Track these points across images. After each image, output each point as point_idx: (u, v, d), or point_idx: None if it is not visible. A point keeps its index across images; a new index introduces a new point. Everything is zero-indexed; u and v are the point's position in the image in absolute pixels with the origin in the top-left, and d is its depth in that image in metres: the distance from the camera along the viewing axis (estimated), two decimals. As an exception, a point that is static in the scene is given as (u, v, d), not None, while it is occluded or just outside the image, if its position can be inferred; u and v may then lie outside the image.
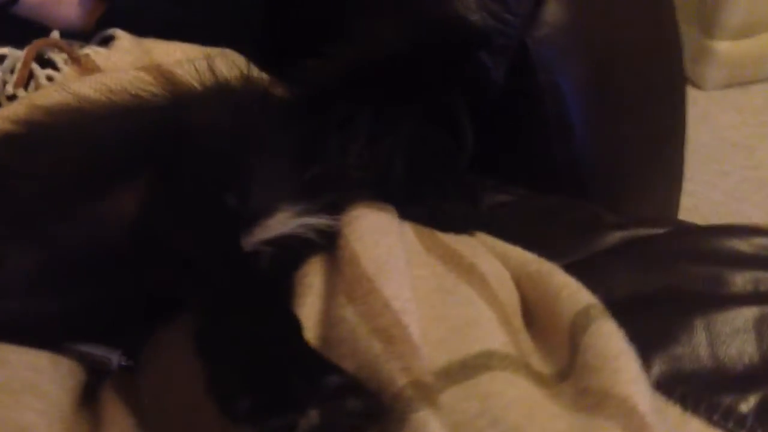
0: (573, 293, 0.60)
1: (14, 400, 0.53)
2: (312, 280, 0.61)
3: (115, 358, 0.62)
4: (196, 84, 0.74)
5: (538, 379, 0.54)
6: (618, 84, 1.05)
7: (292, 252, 0.63)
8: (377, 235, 0.62)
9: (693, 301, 0.70)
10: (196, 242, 0.58)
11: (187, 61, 0.79)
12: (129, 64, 0.81)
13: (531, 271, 0.66)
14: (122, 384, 0.62)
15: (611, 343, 0.54)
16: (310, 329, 0.57)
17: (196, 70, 0.75)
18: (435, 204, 0.72)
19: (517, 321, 0.62)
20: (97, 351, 0.62)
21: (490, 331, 0.55)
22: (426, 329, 0.54)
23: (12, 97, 0.75)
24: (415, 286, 0.59)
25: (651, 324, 0.66)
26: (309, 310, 0.58)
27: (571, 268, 0.66)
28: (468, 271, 0.63)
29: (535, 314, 0.64)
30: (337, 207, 0.65)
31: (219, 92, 0.70)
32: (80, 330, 0.62)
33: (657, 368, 0.63)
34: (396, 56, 0.72)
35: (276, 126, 0.68)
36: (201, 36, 0.87)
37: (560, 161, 1.01)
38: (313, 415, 0.43)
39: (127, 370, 0.63)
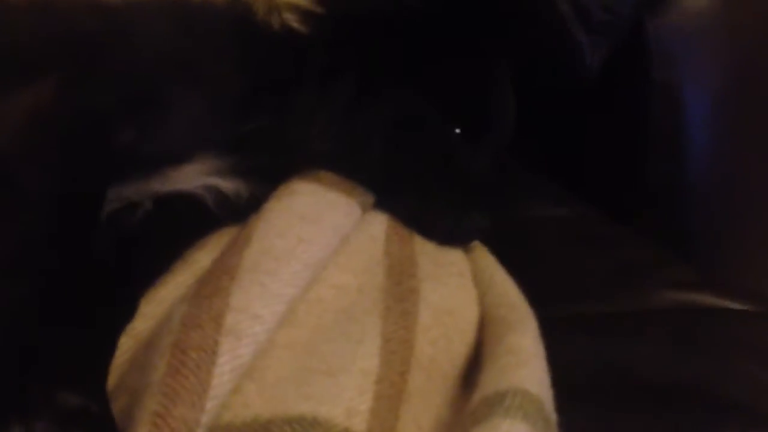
0: (510, 366, 0.46)
1: None
2: (200, 256, 0.52)
3: None
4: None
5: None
6: (764, 97, 0.81)
7: (177, 217, 0.53)
8: (294, 221, 0.53)
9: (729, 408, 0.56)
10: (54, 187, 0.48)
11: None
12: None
13: (499, 316, 0.54)
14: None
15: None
16: (152, 318, 0.47)
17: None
18: (417, 205, 0.61)
19: (420, 374, 0.48)
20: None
21: (344, 389, 0.44)
22: (277, 360, 0.45)
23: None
24: (322, 297, 0.51)
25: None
26: (164, 293, 0.49)
27: (600, 319, 0.61)
28: (404, 296, 0.53)
29: (482, 362, 0.51)
30: (267, 174, 0.56)
31: (187, 7, 0.59)
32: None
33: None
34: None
35: (237, 59, 0.57)
36: None
37: (656, 181, 0.81)
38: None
39: None
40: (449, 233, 0.60)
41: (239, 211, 0.54)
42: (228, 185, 0.55)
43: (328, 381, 0.43)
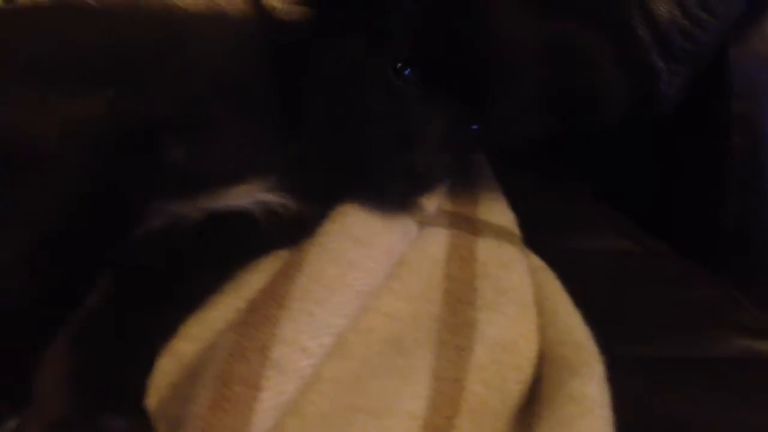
0: (572, 417, 0.45)
1: None
2: (251, 278, 0.51)
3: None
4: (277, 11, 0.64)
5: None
6: None
7: (228, 236, 0.52)
8: (348, 245, 0.52)
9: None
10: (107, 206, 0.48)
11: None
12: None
13: (562, 354, 0.51)
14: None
15: None
16: (198, 341, 0.46)
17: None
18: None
19: (467, 423, 0.46)
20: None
21: (384, 428, 0.43)
22: (321, 395, 0.43)
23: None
24: (372, 327, 0.49)
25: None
26: (213, 315, 0.48)
27: (663, 363, 0.58)
28: (459, 329, 0.51)
29: (540, 400, 0.49)
30: (316, 191, 0.55)
31: (228, 22, 0.60)
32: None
33: None
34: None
35: (282, 79, 0.55)
36: None
37: (733, 218, 0.76)
38: None
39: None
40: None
41: (290, 229, 0.53)
42: (278, 202, 0.53)
43: (372, 423, 0.42)
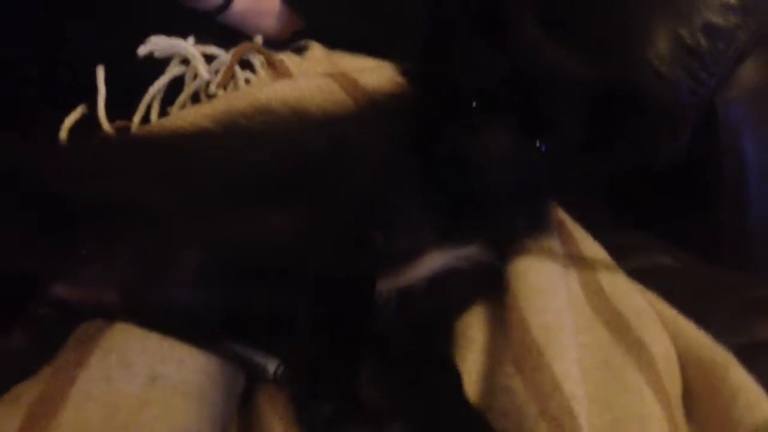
0: (753, 401, 0.57)
1: (185, 404, 0.54)
2: (474, 333, 0.61)
3: (272, 367, 0.63)
4: (378, 93, 0.74)
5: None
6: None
7: (448, 290, 0.62)
8: (546, 297, 0.60)
9: None
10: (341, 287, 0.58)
11: (370, 69, 0.80)
12: (318, 73, 0.83)
13: (703, 357, 0.62)
14: (276, 393, 0.62)
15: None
16: (470, 387, 0.57)
17: (379, 77, 0.76)
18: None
19: (679, 414, 0.59)
20: (256, 356, 0.63)
21: (656, 430, 0.54)
22: (588, 413, 0.53)
23: (211, 96, 0.77)
24: (580, 357, 0.57)
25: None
26: (471, 367, 0.58)
27: (738, 350, 0.63)
28: (635, 348, 0.61)
29: (697, 406, 0.61)
30: (492, 246, 0.64)
31: (381, 117, 0.69)
32: (240, 331, 0.63)
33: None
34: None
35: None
36: (381, 53, 0.87)
37: (728, 231, 0.97)
38: None
39: (281, 380, 0.63)
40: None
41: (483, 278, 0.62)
42: (471, 252, 0.62)
43: (642, 428, 0.53)
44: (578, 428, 0.50)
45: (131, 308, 0.60)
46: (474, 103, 0.60)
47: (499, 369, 0.56)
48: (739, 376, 0.59)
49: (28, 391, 0.53)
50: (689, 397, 0.62)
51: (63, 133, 0.77)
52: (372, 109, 0.73)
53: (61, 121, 0.80)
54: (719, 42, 0.87)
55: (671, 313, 0.68)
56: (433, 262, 0.63)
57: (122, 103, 0.79)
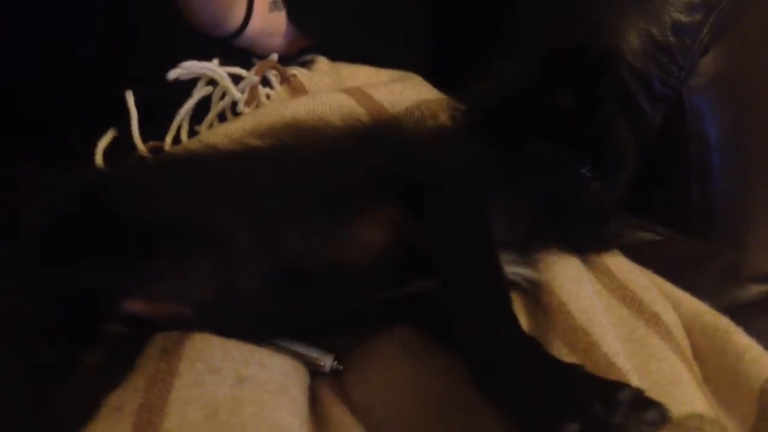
0: (757, 358, 0.62)
1: (275, 400, 0.59)
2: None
3: (328, 362, 0.69)
4: (393, 108, 0.80)
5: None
6: (756, 132, 1.10)
7: None
8: (577, 284, 0.65)
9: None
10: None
11: (382, 84, 0.86)
12: (327, 84, 0.89)
13: (706, 322, 0.67)
14: (334, 385, 0.69)
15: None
16: None
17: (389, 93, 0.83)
18: (574, 230, 0.73)
19: (698, 376, 0.62)
20: (313, 353, 0.69)
21: (692, 392, 0.58)
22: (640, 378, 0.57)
23: (237, 114, 0.82)
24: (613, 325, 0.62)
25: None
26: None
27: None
28: (653, 320, 0.65)
29: (706, 367, 0.65)
30: (536, 256, 0.70)
31: (439, 131, 0.76)
32: (304, 333, 0.69)
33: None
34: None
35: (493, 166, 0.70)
36: (381, 62, 0.94)
37: (696, 203, 1.06)
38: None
39: (336, 374, 0.70)
40: (594, 242, 0.73)
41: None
42: (528, 272, 0.67)
43: (679, 389, 0.57)
44: None
45: (204, 320, 0.64)
46: None
47: (551, 349, 0.59)
48: (740, 337, 0.64)
49: (129, 401, 0.57)
50: (697, 360, 0.65)
51: (98, 157, 0.80)
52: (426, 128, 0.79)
53: (88, 144, 0.83)
54: (686, 38, 0.97)
55: (668, 285, 0.73)
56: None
57: (147, 125, 0.83)
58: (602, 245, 0.73)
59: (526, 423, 0.51)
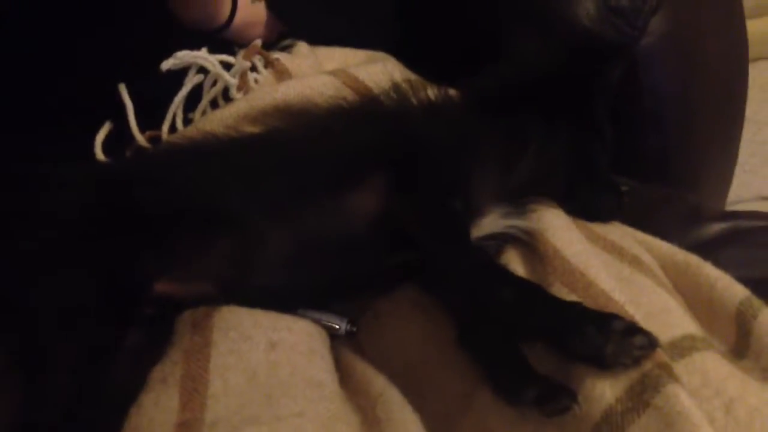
0: (728, 285, 0.67)
1: (307, 360, 0.64)
2: (516, 267, 0.70)
3: (343, 325, 0.75)
4: (378, 87, 0.85)
5: (727, 358, 0.62)
6: (700, 85, 1.18)
7: (498, 246, 0.73)
8: (567, 232, 0.70)
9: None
10: (435, 240, 0.70)
11: (364, 65, 0.91)
12: (309, 66, 0.94)
13: (678, 260, 0.71)
14: (350, 346, 0.74)
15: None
16: None
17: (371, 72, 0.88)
18: (586, 199, 0.79)
19: (683, 303, 0.66)
20: (329, 318, 0.74)
21: (681, 316, 0.62)
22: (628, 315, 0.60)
23: (229, 100, 0.86)
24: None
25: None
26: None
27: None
28: (636, 262, 0.69)
29: (684, 300, 0.69)
30: (528, 207, 0.75)
31: (431, 105, 0.81)
32: (319, 300, 0.74)
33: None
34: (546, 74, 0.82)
35: (481, 132, 0.76)
36: (353, 45, 1.01)
37: (652, 152, 1.14)
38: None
39: (351, 336, 0.75)
40: (609, 214, 0.79)
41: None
42: (522, 222, 0.72)
43: (670, 315, 0.61)
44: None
45: (228, 296, 0.69)
46: None
47: (553, 291, 0.63)
48: (710, 270, 0.69)
49: (170, 373, 0.61)
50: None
51: (98, 151, 0.83)
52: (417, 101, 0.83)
53: (84, 139, 0.86)
54: (638, 0, 1.03)
55: (639, 233, 0.79)
56: (495, 223, 0.74)
57: (139, 117, 0.86)
58: (603, 215, 0.79)
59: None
